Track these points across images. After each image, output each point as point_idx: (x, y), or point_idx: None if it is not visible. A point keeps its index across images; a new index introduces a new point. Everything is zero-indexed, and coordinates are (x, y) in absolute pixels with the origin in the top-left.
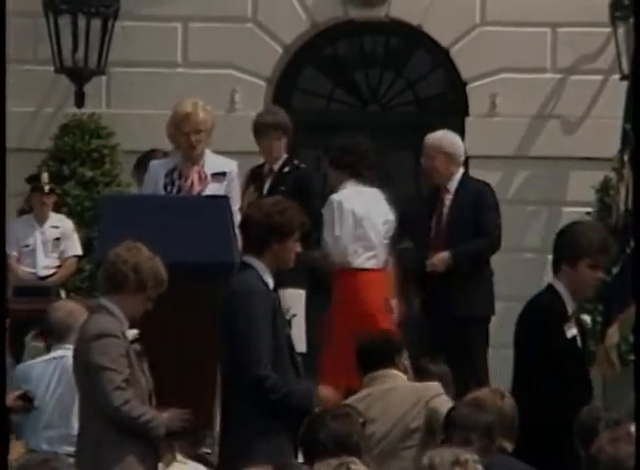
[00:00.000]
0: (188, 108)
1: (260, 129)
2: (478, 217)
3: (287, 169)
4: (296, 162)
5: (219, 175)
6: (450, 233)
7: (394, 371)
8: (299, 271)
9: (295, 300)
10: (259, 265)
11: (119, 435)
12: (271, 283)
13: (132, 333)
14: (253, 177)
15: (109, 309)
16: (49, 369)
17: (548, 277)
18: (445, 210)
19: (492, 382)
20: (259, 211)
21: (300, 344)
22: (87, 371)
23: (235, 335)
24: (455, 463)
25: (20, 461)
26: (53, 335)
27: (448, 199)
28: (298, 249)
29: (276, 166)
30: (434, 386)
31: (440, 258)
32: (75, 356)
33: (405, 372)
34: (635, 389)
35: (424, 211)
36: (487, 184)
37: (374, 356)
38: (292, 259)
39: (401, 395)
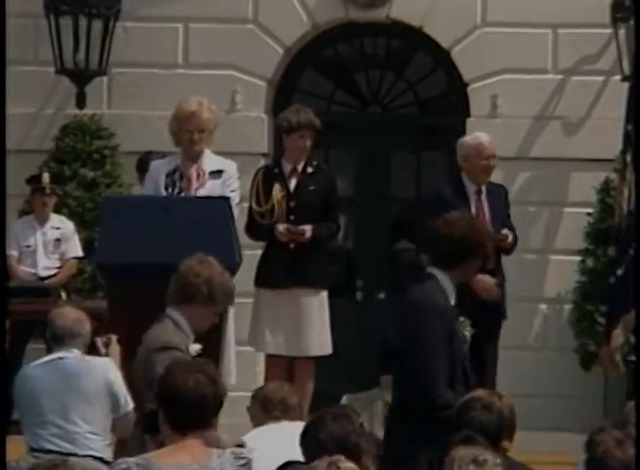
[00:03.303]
0: (193, 106)
1: (296, 128)
2: (506, 216)
3: (310, 170)
4: (315, 162)
5: (216, 173)
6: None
7: None
8: (321, 273)
9: (317, 300)
10: (444, 279)
11: None
12: (453, 298)
13: (195, 348)
14: (269, 177)
15: (175, 321)
16: (49, 370)
17: (549, 278)
18: (485, 209)
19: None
20: (458, 229)
21: (326, 346)
22: (148, 382)
23: (413, 349)
24: (473, 462)
25: (22, 464)
26: (56, 339)
27: (484, 198)
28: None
29: (299, 166)
30: None
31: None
32: (136, 365)
33: None
34: (635, 389)
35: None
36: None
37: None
38: (472, 277)
39: None
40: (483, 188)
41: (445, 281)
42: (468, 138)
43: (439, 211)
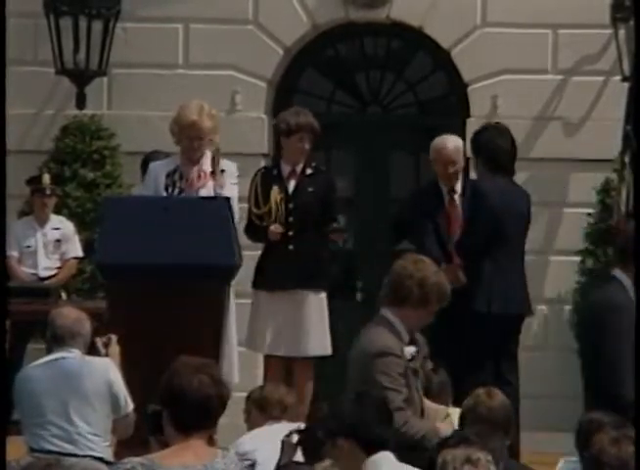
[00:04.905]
0: (194, 115)
1: (295, 130)
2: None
3: (309, 172)
4: (314, 164)
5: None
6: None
7: None
8: (321, 274)
9: (316, 301)
10: (626, 280)
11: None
12: (633, 298)
13: (410, 351)
14: (268, 179)
15: (390, 322)
16: (49, 370)
17: (549, 278)
18: (458, 210)
19: None
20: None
21: (326, 346)
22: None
23: (601, 351)
24: (467, 461)
25: (22, 464)
26: (56, 339)
27: (458, 200)
28: None
29: (298, 168)
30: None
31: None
32: (352, 368)
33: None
34: (635, 389)
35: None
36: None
37: None
38: None
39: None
40: (458, 188)
41: (627, 282)
42: (437, 141)
43: (414, 210)
